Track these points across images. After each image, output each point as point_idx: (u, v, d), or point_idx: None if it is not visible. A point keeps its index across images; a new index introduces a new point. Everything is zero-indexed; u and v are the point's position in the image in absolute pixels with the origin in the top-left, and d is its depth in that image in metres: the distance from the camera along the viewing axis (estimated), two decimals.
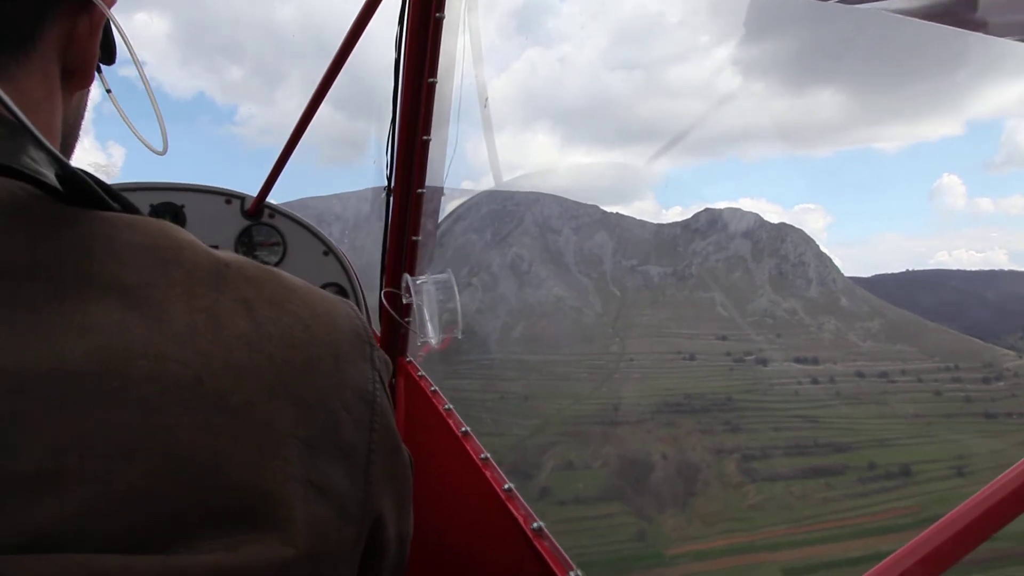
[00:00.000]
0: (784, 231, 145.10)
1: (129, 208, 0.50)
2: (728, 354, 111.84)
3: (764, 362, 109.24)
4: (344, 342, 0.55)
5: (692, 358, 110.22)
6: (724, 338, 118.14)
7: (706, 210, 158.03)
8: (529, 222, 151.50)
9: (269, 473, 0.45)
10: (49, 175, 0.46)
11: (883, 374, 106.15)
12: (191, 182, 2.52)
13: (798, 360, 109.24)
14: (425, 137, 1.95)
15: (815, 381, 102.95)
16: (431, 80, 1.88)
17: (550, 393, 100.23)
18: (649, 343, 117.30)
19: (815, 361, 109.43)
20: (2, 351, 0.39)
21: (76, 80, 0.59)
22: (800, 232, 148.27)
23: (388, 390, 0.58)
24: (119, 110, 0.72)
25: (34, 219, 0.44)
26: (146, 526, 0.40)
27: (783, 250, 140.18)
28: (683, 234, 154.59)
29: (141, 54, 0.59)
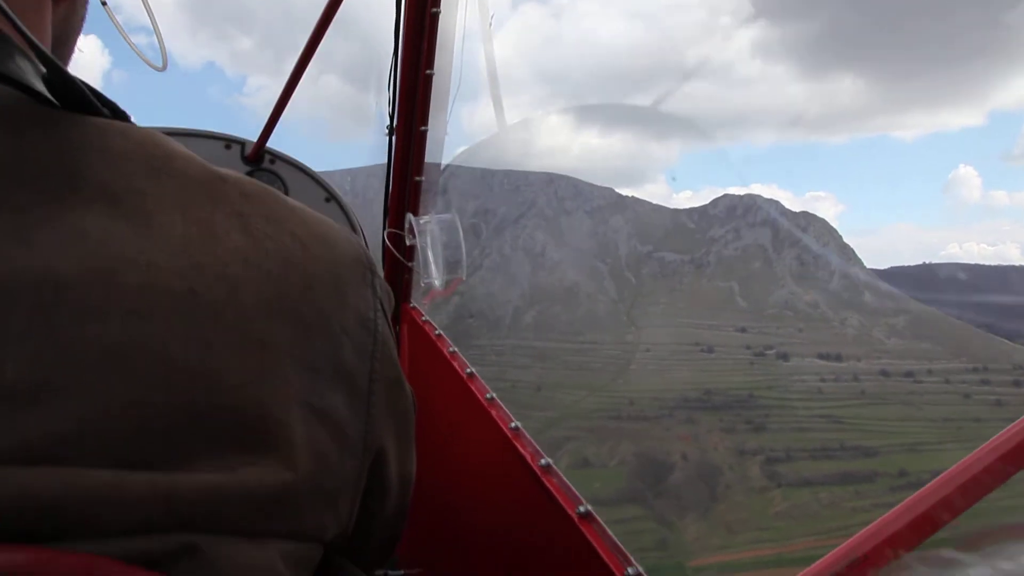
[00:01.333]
0: (806, 220, 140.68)
1: (119, 114, 0.48)
2: (748, 347, 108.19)
3: (785, 357, 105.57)
4: (345, 266, 0.53)
5: (711, 350, 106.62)
6: (744, 330, 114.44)
7: (725, 196, 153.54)
8: (543, 202, 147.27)
9: (267, 392, 0.44)
10: (37, 83, 0.44)
11: (909, 373, 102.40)
12: (190, 127, 2.47)
13: (821, 356, 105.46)
14: (428, 71, 1.90)
15: (839, 379, 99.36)
16: (434, 10, 1.82)
17: (563, 384, 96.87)
18: (666, 333, 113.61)
19: (838, 358, 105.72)
20: None
21: None
22: (823, 222, 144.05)
23: (390, 321, 0.56)
24: (117, 25, 0.70)
25: (20, 122, 0.43)
26: (138, 442, 0.39)
27: (804, 240, 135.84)
28: (701, 220, 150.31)
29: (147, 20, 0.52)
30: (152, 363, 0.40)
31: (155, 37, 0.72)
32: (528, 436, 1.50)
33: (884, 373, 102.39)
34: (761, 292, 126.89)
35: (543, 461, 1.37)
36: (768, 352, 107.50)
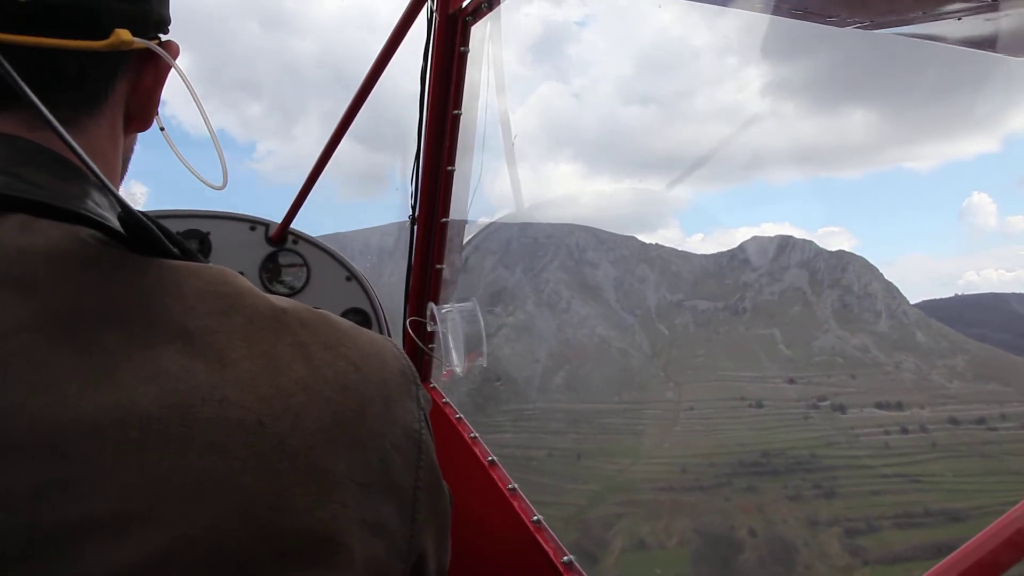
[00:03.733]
0: (845, 259, 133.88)
1: (188, 253, 0.53)
2: (799, 400, 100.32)
3: (842, 408, 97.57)
4: (393, 382, 0.57)
5: (759, 405, 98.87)
6: (792, 381, 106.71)
7: (753, 238, 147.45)
8: (564, 255, 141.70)
9: (328, 515, 0.48)
10: (112, 219, 0.50)
11: (980, 420, 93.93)
12: (215, 209, 2.57)
13: (880, 405, 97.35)
14: (450, 167, 2.01)
15: (904, 430, 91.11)
16: (456, 112, 1.95)
17: (605, 450, 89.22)
18: (708, 388, 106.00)
19: (899, 406, 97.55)
20: (79, 397, 0.42)
21: (136, 124, 0.64)
22: (862, 260, 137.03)
23: (430, 426, 0.60)
24: (173, 148, 0.76)
25: (105, 267, 0.48)
26: (217, 566, 0.43)
27: (845, 280, 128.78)
28: (730, 265, 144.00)
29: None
30: (227, 492, 0.44)
31: (215, 152, 0.77)
32: (550, 530, 1.50)
33: (953, 421, 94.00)
34: (805, 338, 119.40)
35: (565, 558, 1.36)
36: (822, 404, 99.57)
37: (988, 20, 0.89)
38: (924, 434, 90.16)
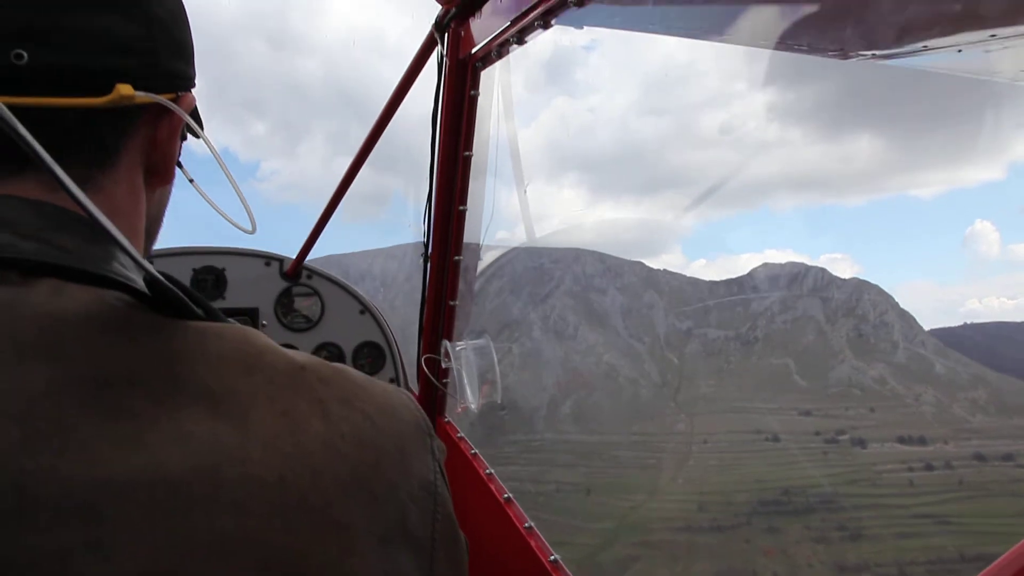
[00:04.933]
0: (860, 288, 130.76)
1: (212, 313, 0.55)
2: (817, 433, 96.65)
3: (862, 443, 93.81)
4: (407, 435, 0.58)
5: (776, 439, 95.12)
6: (808, 413, 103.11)
7: (764, 265, 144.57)
8: (570, 281, 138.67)
9: (348, 570, 0.49)
10: (138, 279, 0.52)
11: (1008, 456, 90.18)
12: (230, 245, 2.62)
13: (902, 440, 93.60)
14: (461, 207, 2.07)
15: (929, 467, 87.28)
16: (467, 154, 2.00)
17: (616, 485, 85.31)
18: (722, 420, 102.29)
19: (922, 441, 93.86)
20: (108, 461, 0.43)
21: (158, 178, 0.65)
22: (876, 288, 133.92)
23: (445, 477, 0.61)
24: (204, 196, 0.77)
25: (133, 331, 0.49)
26: None
27: (860, 309, 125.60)
28: (741, 292, 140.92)
29: None
30: (252, 550, 0.45)
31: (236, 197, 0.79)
32: (567, 570, 1.51)
33: (979, 458, 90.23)
34: (820, 368, 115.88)
35: None
36: (841, 438, 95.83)
37: (987, 52, 0.92)
38: (950, 471, 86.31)
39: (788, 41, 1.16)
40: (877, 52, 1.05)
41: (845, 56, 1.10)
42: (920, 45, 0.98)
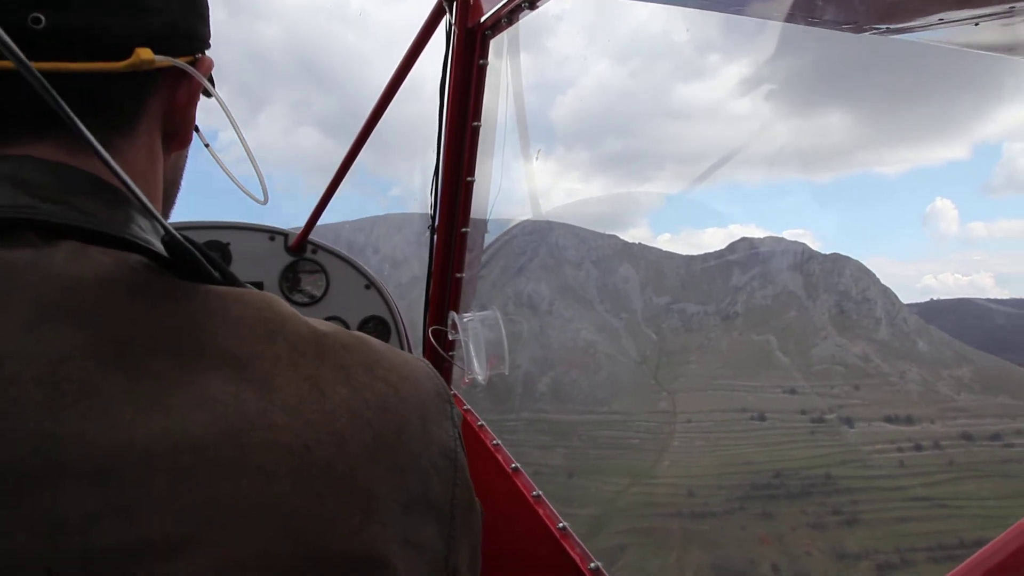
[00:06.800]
0: (840, 263, 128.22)
1: (229, 277, 0.54)
2: (803, 412, 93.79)
3: (849, 422, 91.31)
4: (429, 403, 0.58)
5: (762, 418, 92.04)
6: (793, 391, 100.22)
7: (743, 239, 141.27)
8: (544, 254, 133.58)
9: (371, 537, 0.49)
10: (156, 243, 0.52)
11: (996, 436, 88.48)
12: (235, 220, 2.64)
13: (889, 419, 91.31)
14: (469, 178, 2.07)
15: (918, 447, 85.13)
16: (475, 124, 2.00)
17: (600, 467, 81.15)
18: (705, 398, 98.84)
19: (909, 420, 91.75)
20: (132, 424, 0.43)
21: (176, 142, 0.65)
22: (858, 264, 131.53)
23: (463, 443, 0.61)
24: (219, 163, 0.76)
25: (153, 294, 0.49)
26: None
27: (842, 285, 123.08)
28: (719, 267, 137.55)
29: None
30: (277, 516, 0.45)
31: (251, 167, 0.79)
32: (576, 537, 1.54)
33: (967, 437, 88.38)
34: (802, 345, 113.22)
35: (592, 564, 1.37)
36: (828, 417, 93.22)
37: (1006, 25, 0.89)
38: (939, 451, 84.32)
39: (801, 14, 1.12)
40: (892, 26, 1.02)
41: (859, 30, 1.07)
42: (936, 18, 0.95)
